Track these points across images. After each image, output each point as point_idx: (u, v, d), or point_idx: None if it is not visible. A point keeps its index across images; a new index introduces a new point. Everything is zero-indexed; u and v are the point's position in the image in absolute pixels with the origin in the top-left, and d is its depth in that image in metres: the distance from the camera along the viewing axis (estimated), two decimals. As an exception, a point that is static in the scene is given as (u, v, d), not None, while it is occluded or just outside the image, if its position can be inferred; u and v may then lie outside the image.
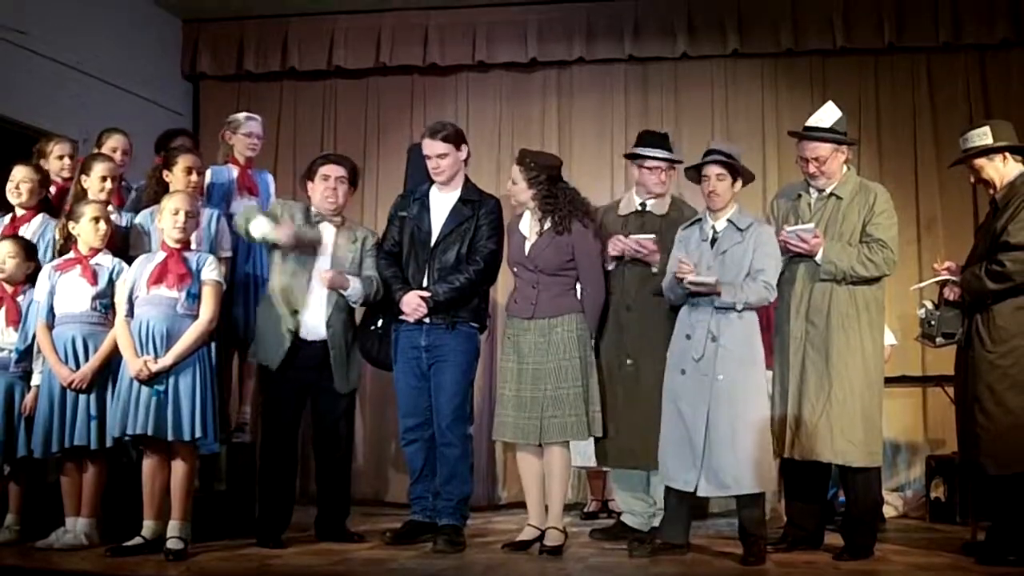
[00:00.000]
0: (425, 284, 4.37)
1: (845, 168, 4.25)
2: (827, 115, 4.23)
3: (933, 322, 4.18)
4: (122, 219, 4.63)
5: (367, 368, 5.15)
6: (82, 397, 4.16)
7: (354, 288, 4.40)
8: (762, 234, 4.07)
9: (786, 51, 6.51)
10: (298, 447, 4.60)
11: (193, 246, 4.29)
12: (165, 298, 4.07)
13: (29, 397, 4.33)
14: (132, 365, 3.98)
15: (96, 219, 4.28)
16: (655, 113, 6.67)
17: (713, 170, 4.08)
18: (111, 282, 4.25)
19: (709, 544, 4.44)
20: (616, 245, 4.45)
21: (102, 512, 4.26)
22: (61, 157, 4.92)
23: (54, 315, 4.26)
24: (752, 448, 3.92)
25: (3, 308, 4.39)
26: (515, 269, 4.42)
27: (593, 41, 6.66)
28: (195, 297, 4.11)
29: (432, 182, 4.52)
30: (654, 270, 4.43)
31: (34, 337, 4.29)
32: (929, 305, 4.23)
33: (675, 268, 4.09)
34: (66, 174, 4.89)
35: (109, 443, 4.11)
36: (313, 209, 4.49)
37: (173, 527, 4.00)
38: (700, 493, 4.00)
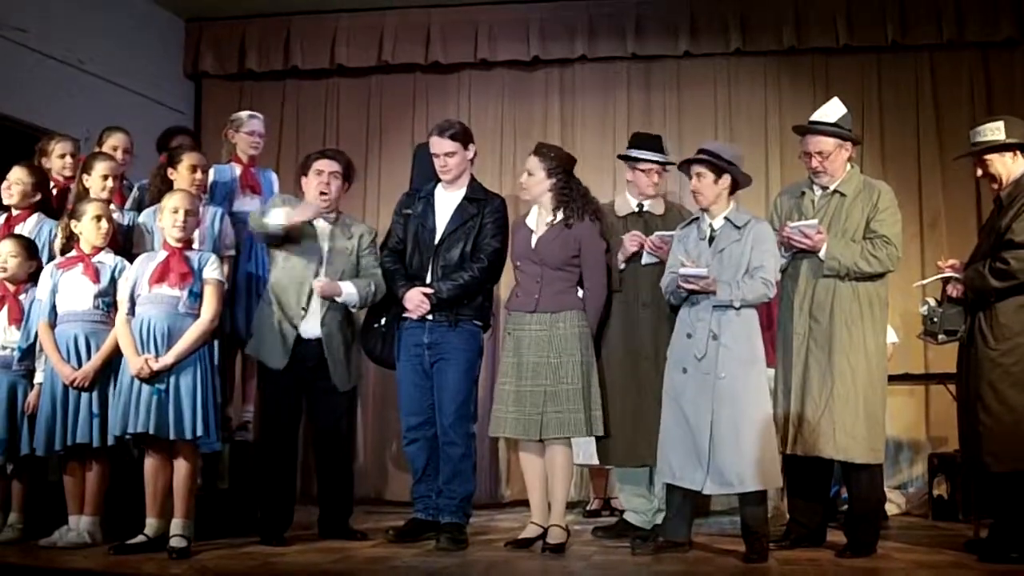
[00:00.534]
0: (429, 281, 4.37)
1: (849, 166, 4.24)
2: (832, 110, 4.22)
3: (936, 319, 4.17)
4: (124, 218, 4.64)
5: (369, 367, 5.15)
6: (84, 395, 4.16)
7: (348, 293, 4.39)
8: (760, 232, 4.06)
9: (789, 49, 6.51)
10: (298, 446, 4.60)
11: (196, 245, 4.29)
12: (167, 297, 4.08)
13: (32, 395, 4.34)
14: (133, 363, 3.99)
15: (98, 217, 4.28)
16: (657, 111, 6.68)
17: (693, 168, 4.11)
18: (113, 280, 4.25)
19: (711, 542, 4.43)
20: (635, 240, 4.46)
21: (105, 510, 4.26)
22: (63, 156, 4.92)
23: (56, 313, 4.26)
24: (756, 446, 3.91)
25: (5, 307, 4.40)
26: (518, 263, 4.41)
27: (595, 39, 6.66)
28: (197, 296, 4.10)
29: (438, 180, 4.52)
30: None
31: (36, 336, 4.29)
32: (932, 302, 4.22)
33: (675, 267, 4.09)
34: (67, 173, 4.89)
35: (111, 441, 4.11)
36: None
37: (176, 525, 4.00)
38: (706, 492, 3.99)
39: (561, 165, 4.38)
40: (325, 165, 4.47)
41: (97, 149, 4.93)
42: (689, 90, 6.68)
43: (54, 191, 4.83)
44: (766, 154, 6.45)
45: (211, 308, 4.11)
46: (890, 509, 5.40)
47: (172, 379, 3.99)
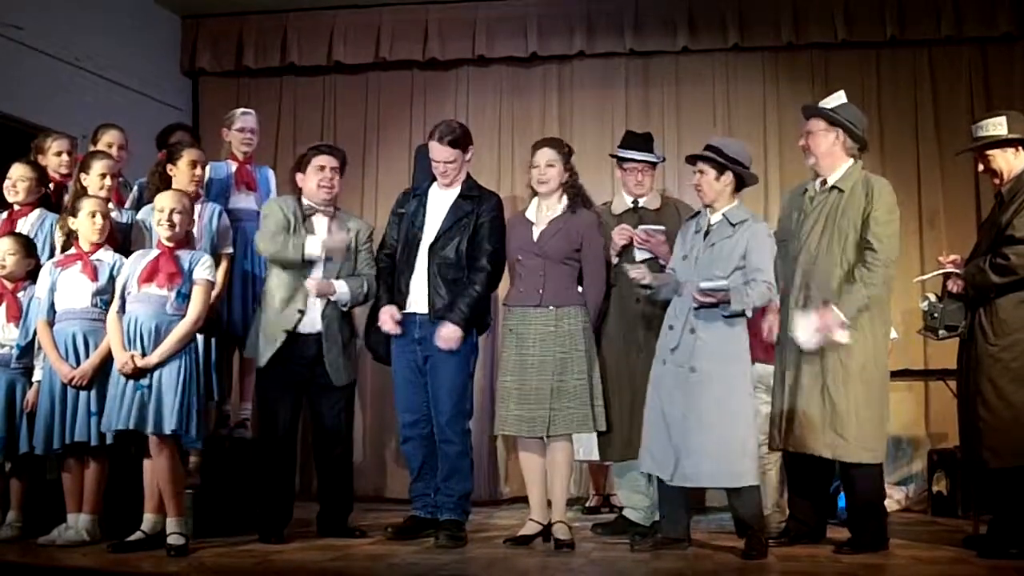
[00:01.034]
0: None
1: (851, 162, 4.21)
2: (832, 98, 4.21)
3: (936, 315, 4.16)
4: (123, 217, 4.63)
5: (368, 363, 5.15)
6: (82, 393, 4.15)
7: (341, 292, 4.40)
8: (756, 232, 4.05)
9: (787, 45, 6.50)
10: (297, 442, 4.59)
11: (196, 239, 4.29)
12: (155, 296, 4.06)
13: (30, 393, 4.33)
14: (118, 358, 3.98)
15: (93, 213, 4.27)
16: (656, 107, 6.67)
17: (697, 164, 4.13)
18: (112, 278, 4.23)
19: (710, 538, 4.43)
20: (623, 233, 4.47)
21: (103, 508, 4.25)
22: (59, 153, 4.91)
23: (55, 312, 4.26)
24: (727, 442, 3.89)
25: (3, 304, 4.40)
26: (519, 257, 4.37)
27: (593, 35, 6.65)
28: (185, 297, 4.08)
29: (434, 179, 4.51)
30: (662, 262, 4.45)
31: (35, 333, 4.29)
32: (932, 298, 4.21)
33: (674, 266, 4.13)
34: (63, 170, 4.88)
35: (109, 440, 4.10)
36: (305, 201, 4.48)
37: (171, 524, 3.99)
38: (675, 483, 3.99)
39: (570, 156, 4.43)
40: (326, 160, 4.47)
41: (92, 146, 4.92)
42: (687, 86, 6.67)
43: (51, 188, 4.82)
44: (764, 149, 6.43)
45: (196, 309, 4.08)
46: (890, 505, 5.38)
47: (155, 376, 3.97)
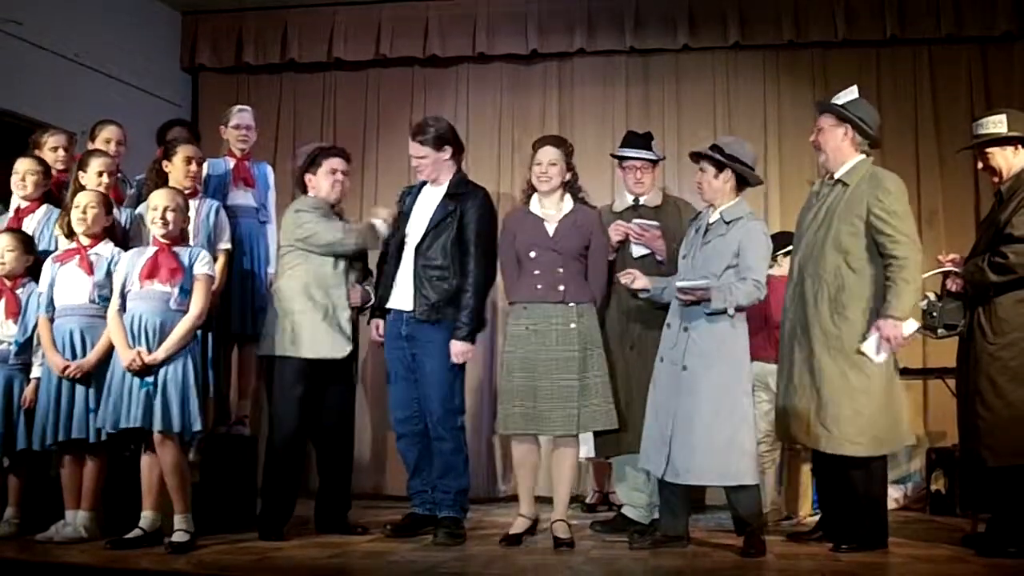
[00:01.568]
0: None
1: (859, 157, 4.16)
2: (844, 94, 4.19)
3: (935, 313, 4.16)
4: (122, 215, 4.62)
5: (368, 361, 5.15)
6: (80, 390, 4.14)
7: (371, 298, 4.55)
8: (750, 231, 4.03)
9: (787, 43, 6.50)
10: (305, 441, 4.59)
11: (191, 239, 4.27)
12: (158, 293, 4.06)
13: (29, 390, 4.32)
14: (124, 356, 3.97)
15: (87, 207, 4.24)
16: (656, 105, 6.67)
17: (700, 162, 4.13)
18: (109, 272, 4.22)
19: (710, 536, 4.44)
20: (619, 229, 4.49)
21: (102, 505, 4.25)
22: (56, 149, 4.90)
23: (54, 307, 4.25)
24: (716, 441, 3.89)
25: (2, 301, 4.38)
26: (532, 253, 4.30)
27: (594, 33, 6.65)
28: (187, 293, 4.08)
29: None
30: (659, 257, 4.46)
31: (34, 329, 4.28)
32: (931, 296, 4.21)
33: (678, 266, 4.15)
34: (60, 166, 4.87)
35: (104, 436, 4.09)
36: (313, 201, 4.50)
37: (178, 520, 3.98)
38: (667, 479, 4.00)
39: (571, 154, 4.44)
40: (339, 163, 4.53)
41: (90, 142, 4.91)
42: (688, 84, 6.67)
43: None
44: (765, 147, 6.43)
45: (199, 304, 4.08)
46: (888, 503, 5.39)
47: (161, 373, 3.97)
